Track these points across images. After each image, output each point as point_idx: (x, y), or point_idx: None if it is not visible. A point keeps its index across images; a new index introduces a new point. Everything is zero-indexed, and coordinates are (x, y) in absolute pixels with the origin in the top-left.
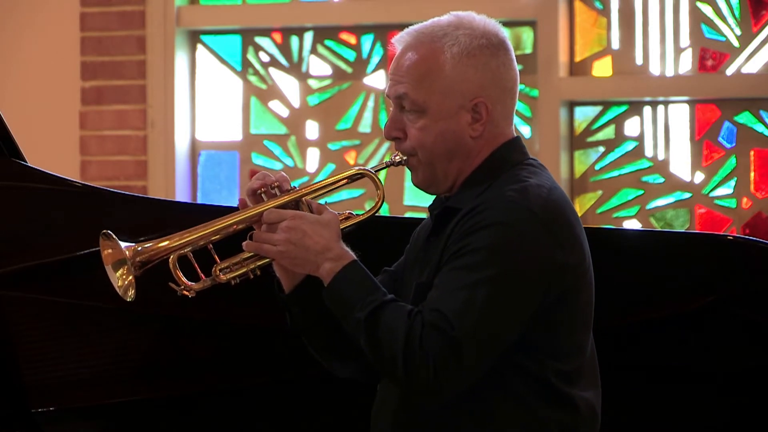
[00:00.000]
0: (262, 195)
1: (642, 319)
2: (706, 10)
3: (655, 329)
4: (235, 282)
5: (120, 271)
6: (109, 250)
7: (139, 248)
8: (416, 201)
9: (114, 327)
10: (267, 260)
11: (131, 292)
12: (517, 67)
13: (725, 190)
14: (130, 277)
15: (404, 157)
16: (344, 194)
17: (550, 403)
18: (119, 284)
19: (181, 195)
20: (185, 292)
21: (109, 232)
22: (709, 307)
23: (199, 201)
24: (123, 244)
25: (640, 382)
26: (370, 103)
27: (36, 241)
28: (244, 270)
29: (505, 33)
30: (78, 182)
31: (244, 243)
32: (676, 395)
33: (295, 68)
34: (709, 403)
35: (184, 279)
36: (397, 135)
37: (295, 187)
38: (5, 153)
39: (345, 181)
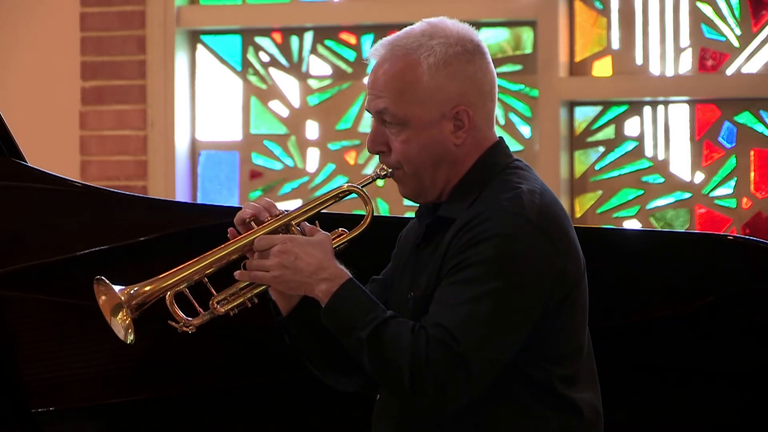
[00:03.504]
0: (252, 223)
1: (642, 319)
2: (706, 10)
3: (655, 329)
4: (234, 313)
5: (119, 316)
6: (103, 297)
7: (132, 291)
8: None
9: None
10: (263, 287)
11: (131, 333)
12: (494, 69)
13: (725, 190)
14: (128, 320)
15: (389, 170)
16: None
17: (554, 407)
18: (120, 327)
19: (181, 195)
20: (185, 329)
21: (101, 277)
22: (709, 307)
23: (199, 201)
24: (116, 288)
25: (641, 382)
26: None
27: (36, 241)
28: (241, 300)
29: (479, 36)
30: (78, 182)
31: (236, 273)
32: (676, 395)
33: (295, 68)
34: (710, 403)
35: (182, 315)
36: (381, 149)
37: (283, 212)
38: (5, 153)
39: (333, 200)
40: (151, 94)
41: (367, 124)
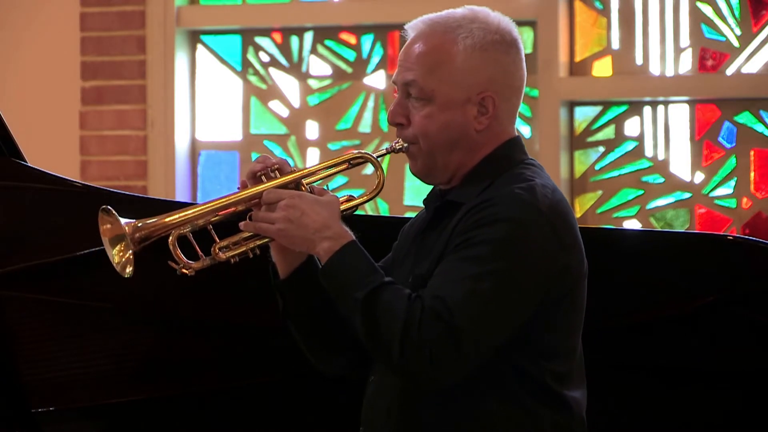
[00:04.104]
0: (262, 177)
1: (642, 319)
2: (706, 10)
3: (656, 329)
4: (234, 260)
5: (118, 247)
6: (108, 225)
7: (140, 224)
8: (417, 201)
9: (114, 327)
10: (267, 240)
11: (129, 269)
12: (525, 68)
13: (725, 190)
14: (129, 253)
15: (405, 144)
16: (345, 193)
17: (546, 403)
18: (116, 261)
19: (181, 195)
20: (184, 270)
21: (109, 207)
22: (709, 307)
23: (199, 201)
24: (123, 220)
25: (640, 382)
26: (370, 103)
27: (36, 241)
28: (243, 249)
29: (518, 33)
30: (78, 182)
31: (241, 223)
32: (676, 395)
33: (295, 68)
34: (710, 403)
35: (183, 257)
36: (401, 121)
37: (295, 170)
38: (5, 153)
39: (345, 164)
40: (151, 94)
41: (367, 124)
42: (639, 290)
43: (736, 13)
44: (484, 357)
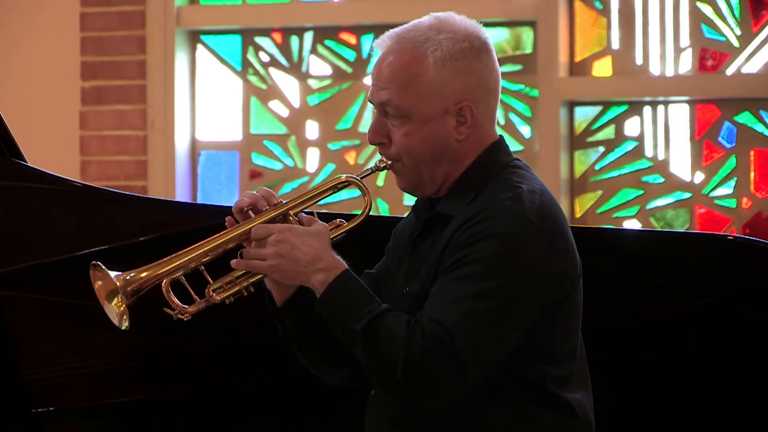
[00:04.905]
0: (250, 212)
1: (642, 319)
2: (706, 10)
3: (655, 329)
4: (230, 301)
5: (115, 301)
6: (100, 282)
7: (128, 277)
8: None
9: (113, 327)
10: (259, 276)
11: (126, 321)
12: (499, 68)
13: (725, 190)
14: (123, 307)
15: (389, 162)
16: (344, 194)
17: (548, 408)
18: (116, 312)
19: (181, 195)
20: (180, 316)
21: (98, 263)
22: (709, 307)
23: (199, 201)
24: (112, 274)
25: (641, 382)
26: (370, 103)
27: (36, 241)
28: (237, 288)
29: (486, 33)
30: (78, 182)
31: (233, 261)
32: (676, 395)
33: (295, 68)
34: (709, 403)
35: (178, 303)
36: (381, 141)
37: (282, 202)
38: (5, 153)
39: (331, 191)
40: (151, 94)
41: (366, 124)
42: (639, 290)
43: (736, 13)
44: (488, 374)
